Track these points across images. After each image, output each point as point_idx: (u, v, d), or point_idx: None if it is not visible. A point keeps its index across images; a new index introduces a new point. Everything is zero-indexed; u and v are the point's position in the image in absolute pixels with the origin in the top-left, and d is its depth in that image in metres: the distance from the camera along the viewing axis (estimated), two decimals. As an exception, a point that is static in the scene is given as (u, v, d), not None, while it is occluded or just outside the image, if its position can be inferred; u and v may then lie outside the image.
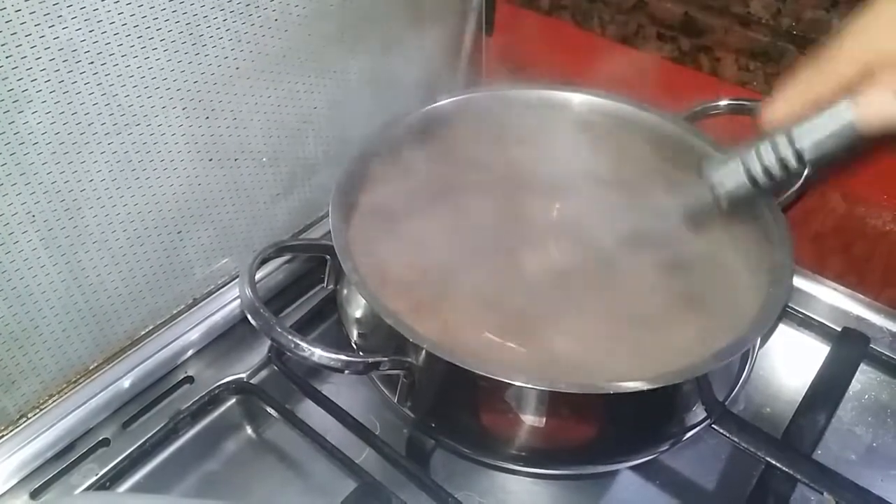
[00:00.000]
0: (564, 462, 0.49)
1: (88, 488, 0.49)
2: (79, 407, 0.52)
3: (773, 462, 0.48)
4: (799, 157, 0.39)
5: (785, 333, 0.61)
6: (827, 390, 0.53)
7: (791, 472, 0.47)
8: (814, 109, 0.37)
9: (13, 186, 0.44)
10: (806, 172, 0.40)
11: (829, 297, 0.61)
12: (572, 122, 0.61)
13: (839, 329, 0.59)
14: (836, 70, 0.36)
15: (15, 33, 0.40)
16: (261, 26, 0.53)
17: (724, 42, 0.61)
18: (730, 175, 0.41)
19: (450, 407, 0.47)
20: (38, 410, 0.51)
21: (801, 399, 0.53)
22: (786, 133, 0.39)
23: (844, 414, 0.56)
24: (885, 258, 0.60)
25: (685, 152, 0.57)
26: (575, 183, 0.61)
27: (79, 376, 0.53)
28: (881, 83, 0.34)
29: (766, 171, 0.40)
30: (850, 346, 0.57)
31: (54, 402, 0.52)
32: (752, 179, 0.40)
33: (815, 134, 0.38)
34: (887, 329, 0.58)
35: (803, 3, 0.57)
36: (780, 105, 0.38)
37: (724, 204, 0.42)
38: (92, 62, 0.44)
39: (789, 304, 0.60)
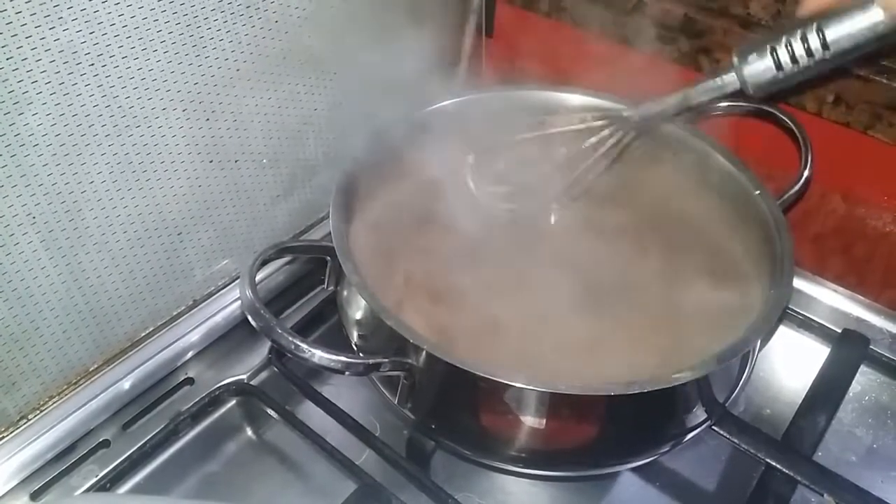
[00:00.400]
0: (565, 464, 0.49)
1: (89, 490, 0.49)
2: (79, 408, 0.52)
3: (774, 463, 0.48)
4: (826, 46, 0.40)
5: (785, 335, 0.61)
6: (827, 392, 0.53)
7: (791, 473, 0.47)
8: (847, 1, 0.39)
9: (13, 188, 0.44)
10: (830, 62, 0.42)
11: (829, 298, 0.61)
12: (571, 122, 0.61)
13: (839, 330, 0.59)
14: None
15: (15, 35, 0.40)
16: (261, 28, 0.53)
17: (724, 43, 0.61)
18: (759, 60, 0.42)
19: (450, 408, 0.47)
20: (38, 412, 0.51)
21: (801, 400, 0.53)
22: (817, 22, 0.40)
23: (845, 415, 0.56)
24: (885, 259, 0.60)
25: (686, 153, 0.57)
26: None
27: (79, 377, 0.53)
28: None
29: (794, 58, 0.41)
30: (850, 348, 0.57)
31: (55, 403, 0.52)
32: (779, 66, 0.42)
33: (845, 26, 0.39)
34: (887, 330, 0.58)
35: (803, 5, 0.57)
36: None
37: (750, 90, 0.43)
38: (92, 64, 0.44)
39: (789, 306, 0.60)
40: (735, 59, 0.43)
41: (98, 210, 0.49)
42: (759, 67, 0.43)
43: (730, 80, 0.44)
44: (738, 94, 0.45)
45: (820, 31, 0.40)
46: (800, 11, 0.41)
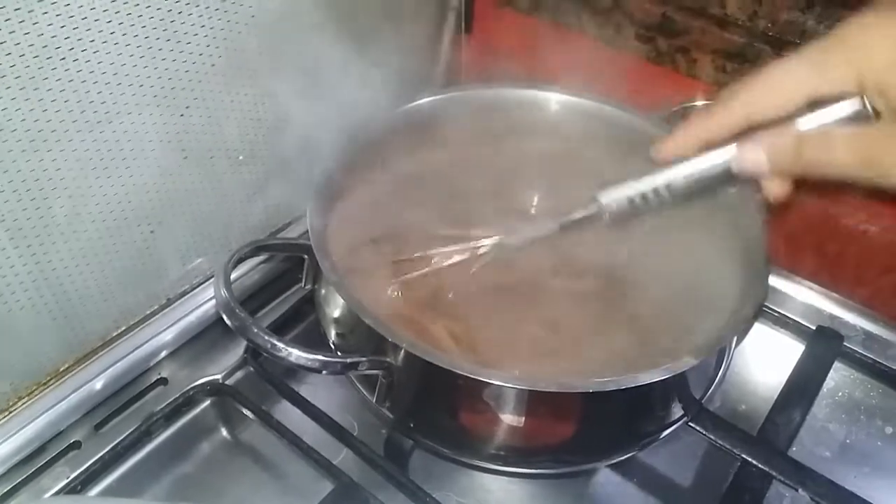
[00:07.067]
0: (543, 461, 0.49)
1: (59, 492, 0.48)
2: (49, 409, 0.51)
3: (749, 459, 0.48)
4: (669, 189, 0.46)
5: (760, 332, 0.62)
6: (802, 388, 0.54)
7: (766, 468, 0.48)
8: (699, 151, 0.44)
9: (-20, 182, 0.43)
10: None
11: (803, 295, 0.62)
12: (550, 121, 0.61)
13: (813, 327, 0.60)
14: (722, 121, 0.42)
15: (-16, 27, 0.39)
16: (237, 23, 0.52)
17: (701, 43, 0.61)
18: (615, 195, 0.47)
19: (428, 407, 0.47)
20: (7, 413, 0.50)
21: (776, 397, 0.53)
22: (667, 167, 0.45)
23: (819, 411, 0.57)
24: (858, 257, 0.61)
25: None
26: (553, 183, 0.61)
27: (49, 378, 0.52)
28: (754, 139, 0.41)
29: (643, 197, 0.46)
30: (824, 345, 0.58)
31: (24, 404, 0.50)
32: (632, 201, 0.47)
33: (689, 171, 0.44)
34: (860, 327, 0.59)
35: (779, 5, 0.58)
36: (670, 144, 0.45)
37: (606, 218, 0.48)
38: (64, 58, 0.43)
39: (764, 303, 0.61)
40: (596, 193, 0.48)
41: (68, 205, 0.48)
42: (613, 202, 0.48)
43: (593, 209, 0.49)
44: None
45: (667, 175, 0.45)
46: (655, 157, 0.46)
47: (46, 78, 0.43)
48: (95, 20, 0.44)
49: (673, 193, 0.46)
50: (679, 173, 0.45)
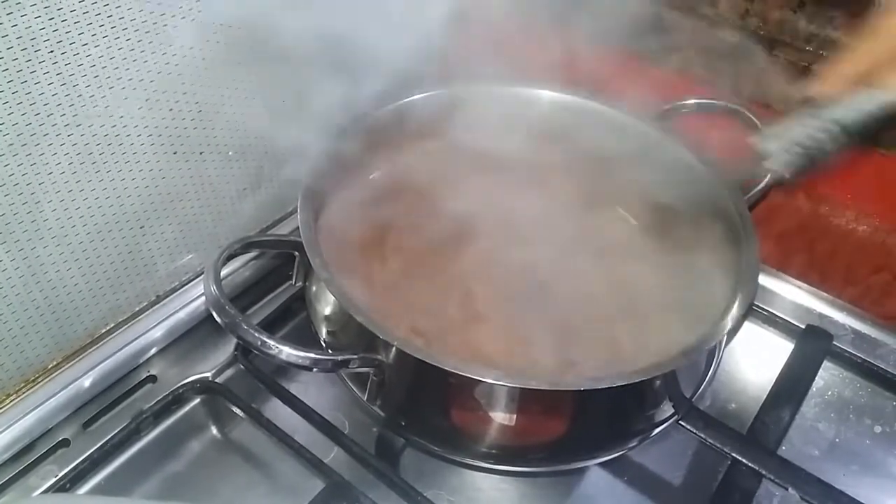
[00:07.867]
0: (534, 459, 0.49)
1: (47, 490, 0.48)
2: (38, 407, 0.50)
3: (739, 458, 0.48)
4: (845, 128, 0.41)
5: (750, 331, 0.62)
6: (791, 387, 0.54)
7: (756, 467, 0.48)
8: (862, 84, 0.40)
9: (-33, 179, 0.42)
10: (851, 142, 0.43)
11: (793, 294, 0.62)
12: (542, 118, 0.61)
13: (803, 326, 0.60)
14: (883, 47, 0.38)
15: (-31, 20, 0.39)
16: (227, 16, 0.52)
17: (693, 42, 0.61)
18: (782, 145, 0.44)
19: (420, 405, 0.47)
20: (-6, 410, 0.50)
21: (765, 395, 0.54)
22: (835, 106, 0.41)
23: (808, 410, 0.57)
24: (847, 256, 0.61)
25: (654, 151, 0.58)
26: (543, 179, 0.61)
27: (37, 375, 0.51)
28: None
29: (816, 140, 0.42)
30: (813, 344, 0.58)
31: (12, 401, 0.50)
32: (804, 149, 0.43)
33: (863, 107, 0.40)
34: (850, 326, 0.59)
35: (770, 4, 0.58)
36: (831, 79, 0.41)
37: (778, 173, 0.45)
38: (52, 51, 0.43)
39: (754, 302, 0.61)
40: (758, 146, 0.46)
41: (57, 202, 0.47)
42: (782, 152, 0.44)
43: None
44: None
45: (839, 113, 0.41)
46: (817, 97, 0.42)
47: (34, 71, 0.43)
48: (84, 12, 0.44)
49: (844, 130, 0.42)
50: (847, 109, 0.41)
